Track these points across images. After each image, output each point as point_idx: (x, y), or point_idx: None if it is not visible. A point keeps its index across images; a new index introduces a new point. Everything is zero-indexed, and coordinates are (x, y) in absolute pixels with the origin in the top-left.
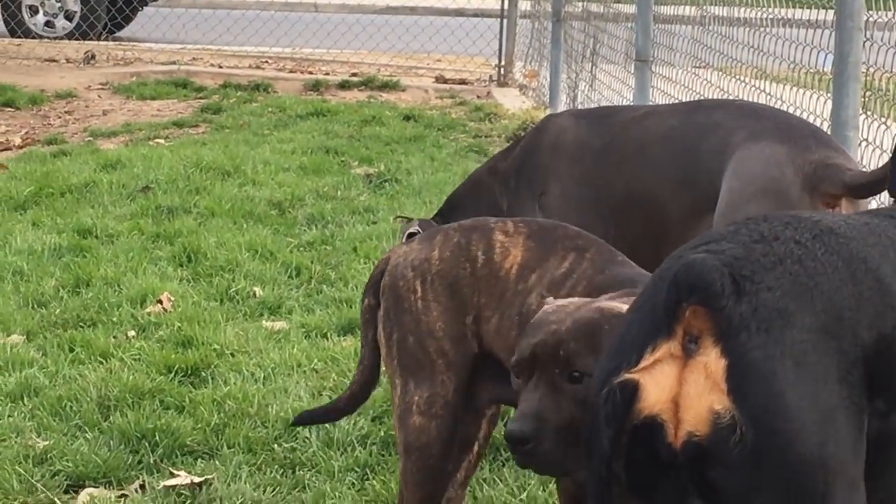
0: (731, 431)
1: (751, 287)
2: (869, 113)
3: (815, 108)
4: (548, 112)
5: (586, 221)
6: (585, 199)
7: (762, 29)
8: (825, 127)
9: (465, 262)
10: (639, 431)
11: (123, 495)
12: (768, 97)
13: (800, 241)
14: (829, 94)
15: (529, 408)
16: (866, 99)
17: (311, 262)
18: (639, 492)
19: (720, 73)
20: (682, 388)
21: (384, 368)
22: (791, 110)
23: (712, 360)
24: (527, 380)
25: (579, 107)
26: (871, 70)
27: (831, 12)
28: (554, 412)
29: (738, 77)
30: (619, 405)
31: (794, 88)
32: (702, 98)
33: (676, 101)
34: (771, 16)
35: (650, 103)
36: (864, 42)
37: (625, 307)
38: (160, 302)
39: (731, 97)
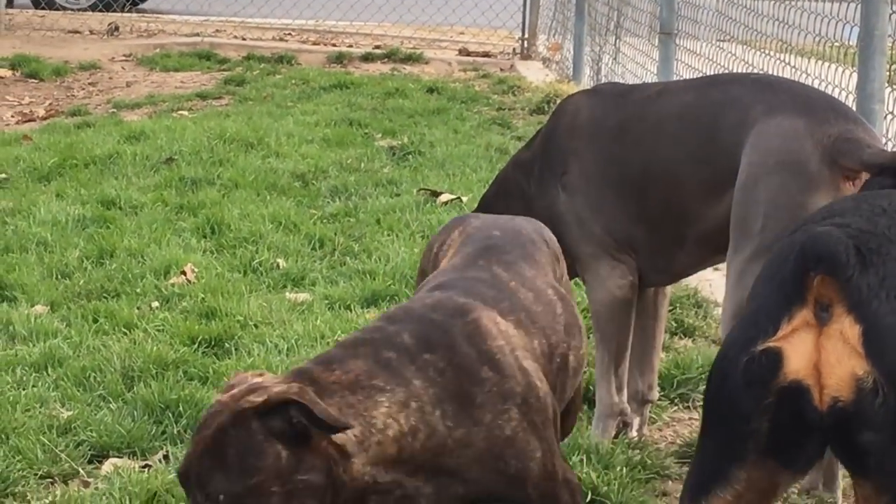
0: (875, 395)
1: (877, 259)
2: (895, 87)
3: (840, 81)
4: (571, 84)
5: (607, 200)
6: (605, 177)
7: (787, 2)
8: (850, 100)
9: (428, 257)
10: (785, 394)
11: (147, 465)
12: (793, 70)
13: None
14: (854, 68)
15: None
16: (892, 73)
17: (335, 234)
18: (776, 450)
19: (745, 47)
20: (822, 356)
21: None
22: (816, 84)
23: (847, 327)
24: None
25: (603, 80)
26: None
27: None
28: None
29: (762, 50)
30: (764, 369)
31: (819, 62)
32: (722, 72)
33: (692, 77)
34: None
35: (674, 77)
36: (891, 15)
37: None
38: (184, 273)
39: (755, 70)
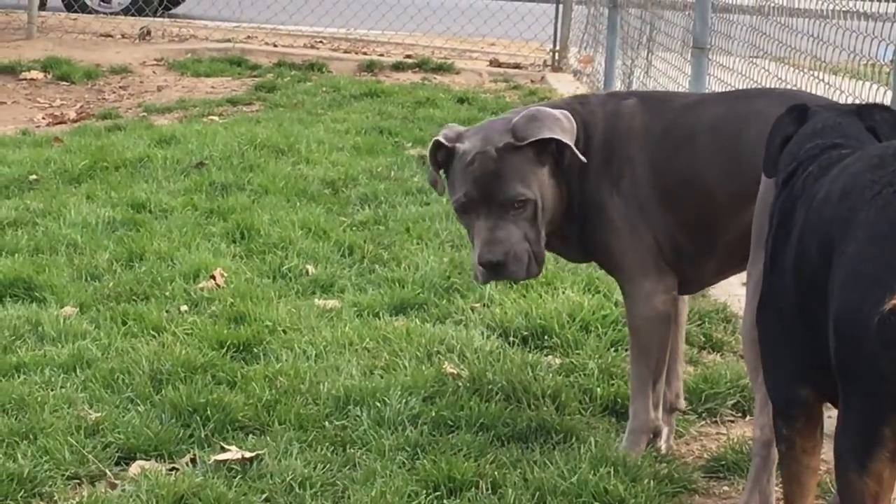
0: None
1: None
2: None
3: (873, 98)
4: None
5: (656, 207)
6: (653, 184)
7: (822, 19)
8: None
9: None
10: None
11: (174, 468)
12: (826, 87)
13: None
14: (887, 86)
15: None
16: None
17: (364, 242)
18: None
19: (778, 63)
20: None
21: None
22: (850, 100)
23: None
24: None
25: None
26: None
27: (892, 5)
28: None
29: (796, 66)
30: (895, 328)
31: (852, 80)
32: (753, 87)
33: (727, 90)
34: (832, 6)
35: (706, 91)
36: None
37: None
38: (213, 277)
39: (788, 87)
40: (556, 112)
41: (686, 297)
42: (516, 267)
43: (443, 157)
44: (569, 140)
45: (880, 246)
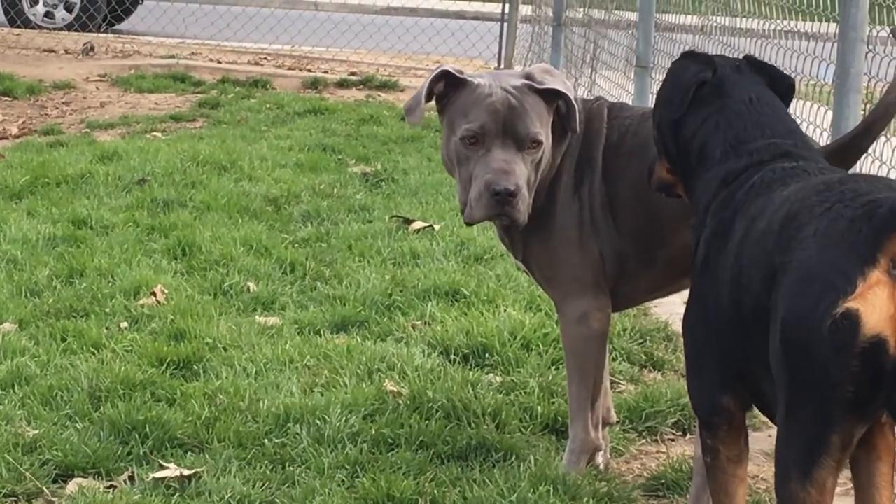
0: None
1: None
2: None
3: (815, 118)
4: None
5: (601, 219)
6: (603, 193)
7: (764, 38)
8: (825, 137)
9: None
10: (866, 351)
11: (112, 486)
12: None
13: None
14: (828, 106)
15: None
16: (866, 111)
17: (306, 259)
18: (855, 409)
19: None
20: None
21: None
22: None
23: None
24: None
25: None
26: (873, 82)
27: (833, 25)
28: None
29: None
30: (847, 332)
31: (795, 99)
32: None
33: None
34: (773, 26)
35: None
36: (867, 54)
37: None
38: (153, 294)
39: None
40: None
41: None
42: (523, 206)
43: (442, 89)
44: (574, 104)
45: (832, 252)
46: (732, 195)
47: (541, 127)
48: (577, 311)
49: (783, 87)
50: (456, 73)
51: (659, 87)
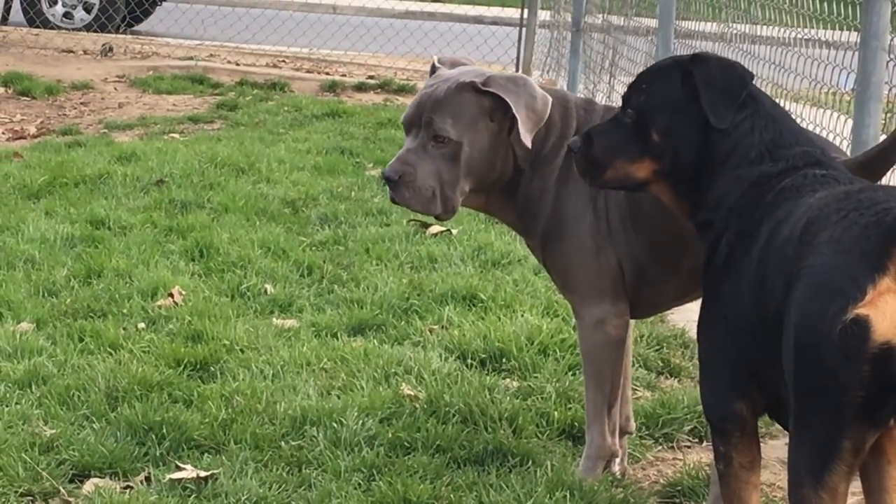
0: None
1: None
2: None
3: (834, 126)
4: None
5: (620, 228)
6: (623, 203)
7: (785, 46)
8: (845, 146)
9: None
10: (877, 358)
11: (129, 486)
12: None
13: None
14: (848, 114)
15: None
16: (886, 121)
17: (324, 262)
18: (866, 415)
19: None
20: None
21: None
22: (811, 128)
23: None
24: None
25: None
26: (894, 91)
27: (854, 33)
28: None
29: None
30: (857, 338)
31: (814, 108)
32: None
33: None
34: (794, 34)
35: None
36: (888, 62)
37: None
38: (171, 295)
39: None
40: (541, 91)
41: (632, 321)
42: (410, 194)
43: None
44: (524, 117)
45: (843, 258)
46: (763, 196)
47: (456, 126)
48: (594, 317)
49: None
50: (436, 63)
51: (667, 89)
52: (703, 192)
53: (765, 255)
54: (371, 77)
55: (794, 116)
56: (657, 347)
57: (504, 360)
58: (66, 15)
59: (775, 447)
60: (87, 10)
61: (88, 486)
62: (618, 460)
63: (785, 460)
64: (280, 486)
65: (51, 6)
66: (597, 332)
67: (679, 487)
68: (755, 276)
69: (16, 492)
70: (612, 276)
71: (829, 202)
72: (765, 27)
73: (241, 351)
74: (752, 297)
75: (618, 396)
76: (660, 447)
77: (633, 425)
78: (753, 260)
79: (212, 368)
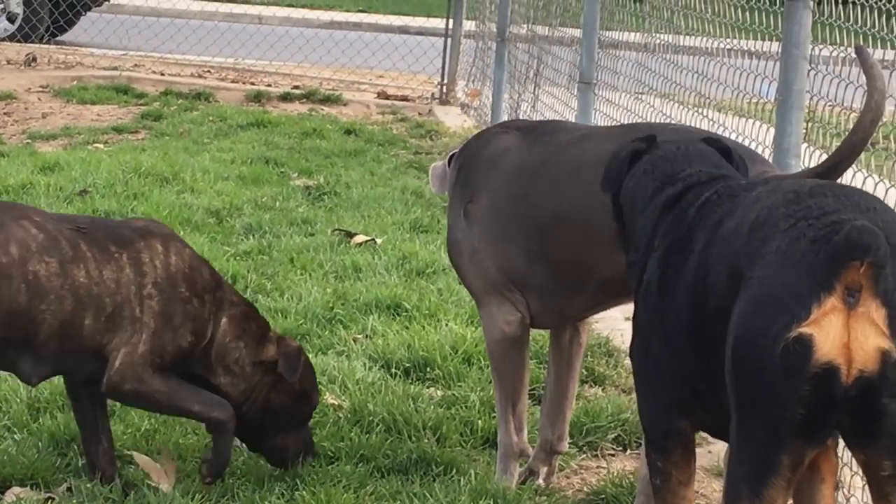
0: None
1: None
2: (810, 143)
3: (757, 135)
4: None
5: (508, 236)
6: (514, 213)
7: (707, 56)
8: (767, 154)
9: None
10: (818, 377)
11: (50, 498)
12: (711, 123)
13: None
14: (771, 123)
15: None
16: (808, 129)
17: (248, 272)
18: (805, 432)
19: (663, 99)
20: (851, 335)
21: None
22: (734, 137)
23: (873, 310)
24: None
25: None
26: (815, 100)
27: (776, 44)
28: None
29: (681, 102)
30: (799, 356)
31: (737, 117)
32: (640, 122)
33: (616, 125)
34: (716, 44)
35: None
36: (809, 71)
37: None
38: None
39: (674, 122)
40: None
41: (582, 340)
42: None
43: None
44: (433, 184)
45: (789, 274)
46: (684, 214)
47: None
48: (488, 316)
49: (736, 161)
50: None
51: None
52: (628, 241)
53: (706, 254)
54: (296, 87)
55: (716, 126)
56: None
57: (428, 369)
58: None
59: (699, 455)
60: (11, 20)
61: (9, 497)
62: (542, 475)
63: (708, 468)
64: (203, 496)
65: None
66: (491, 329)
67: (603, 496)
68: (695, 277)
69: None
70: (490, 278)
71: (779, 203)
72: (688, 37)
73: None
74: (693, 302)
75: (521, 395)
76: (584, 455)
77: (565, 445)
78: (692, 266)
79: None
